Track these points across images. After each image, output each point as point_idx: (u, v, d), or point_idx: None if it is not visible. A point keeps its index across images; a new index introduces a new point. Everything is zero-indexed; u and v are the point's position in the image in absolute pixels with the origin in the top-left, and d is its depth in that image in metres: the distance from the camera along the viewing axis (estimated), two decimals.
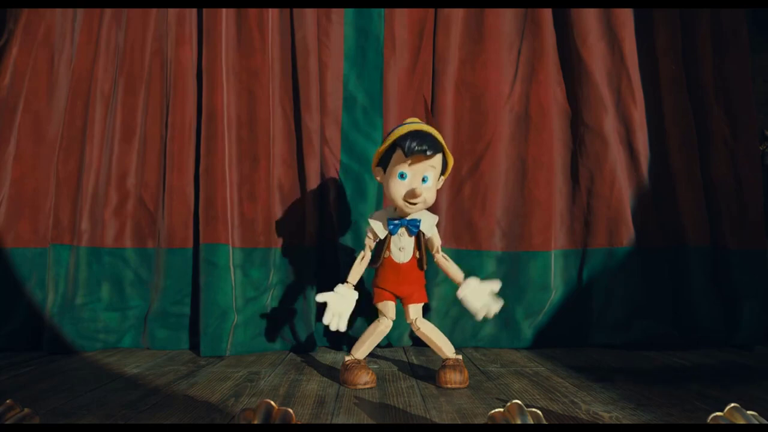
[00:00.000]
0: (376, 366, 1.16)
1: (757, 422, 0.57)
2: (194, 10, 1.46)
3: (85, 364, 1.18)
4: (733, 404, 0.59)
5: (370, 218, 1.04)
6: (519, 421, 0.57)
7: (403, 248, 1.02)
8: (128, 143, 1.45)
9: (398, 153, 0.97)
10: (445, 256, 1.06)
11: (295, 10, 1.44)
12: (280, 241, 1.42)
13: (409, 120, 1.04)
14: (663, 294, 1.41)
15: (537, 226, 1.44)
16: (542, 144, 1.46)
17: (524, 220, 1.44)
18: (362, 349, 1.04)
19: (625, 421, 0.77)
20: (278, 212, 1.43)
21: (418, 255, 1.03)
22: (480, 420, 0.78)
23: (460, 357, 1.04)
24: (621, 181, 1.43)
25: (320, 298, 0.99)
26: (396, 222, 1.01)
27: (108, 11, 1.44)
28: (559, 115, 1.51)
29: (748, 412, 0.58)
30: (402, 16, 1.48)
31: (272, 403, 0.59)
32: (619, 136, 1.46)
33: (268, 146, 1.41)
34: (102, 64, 1.43)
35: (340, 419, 0.79)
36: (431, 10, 1.50)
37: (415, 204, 0.98)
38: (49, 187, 1.40)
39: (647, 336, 1.35)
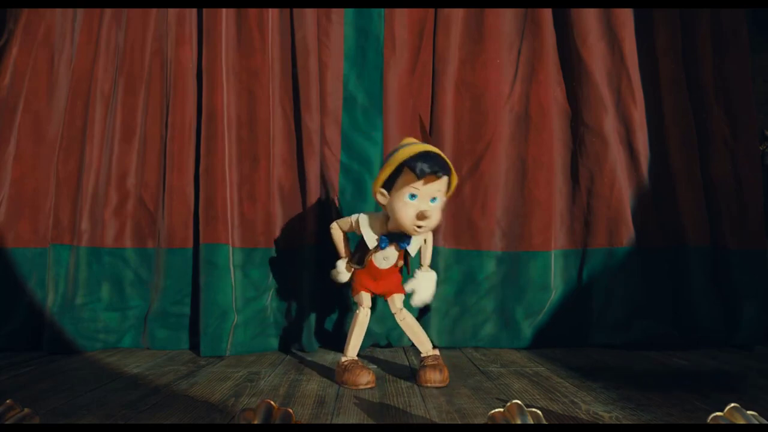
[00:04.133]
0: (374, 366, 1.16)
1: (757, 422, 0.57)
2: (194, 10, 1.46)
3: (85, 364, 1.18)
4: (733, 404, 0.59)
5: (364, 220, 1.05)
6: (519, 421, 0.57)
7: (387, 258, 1.07)
8: (128, 143, 1.45)
9: (407, 175, 0.96)
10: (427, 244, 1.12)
11: (295, 10, 1.44)
12: (280, 241, 1.42)
13: (407, 140, 1.04)
14: (663, 294, 1.41)
15: (537, 226, 1.43)
16: (542, 144, 1.46)
17: (524, 220, 1.44)
18: (351, 346, 1.05)
19: (625, 421, 0.77)
20: (278, 212, 1.43)
21: (400, 264, 1.08)
22: (480, 420, 0.78)
23: (437, 354, 1.05)
24: (621, 181, 1.43)
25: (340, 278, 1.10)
26: (387, 239, 1.04)
27: (108, 11, 1.44)
28: (559, 115, 1.51)
29: (748, 412, 0.58)
30: (402, 16, 1.47)
31: (272, 403, 0.59)
32: (619, 136, 1.46)
33: (268, 146, 1.41)
34: (102, 64, 1.43)
35: (340, 419, 0.79)
36: (431, 10, 1.50)
37: (423, 227, 0.98)
38: (49, 187, 1.40)
39: (647, 336, 1.35)
